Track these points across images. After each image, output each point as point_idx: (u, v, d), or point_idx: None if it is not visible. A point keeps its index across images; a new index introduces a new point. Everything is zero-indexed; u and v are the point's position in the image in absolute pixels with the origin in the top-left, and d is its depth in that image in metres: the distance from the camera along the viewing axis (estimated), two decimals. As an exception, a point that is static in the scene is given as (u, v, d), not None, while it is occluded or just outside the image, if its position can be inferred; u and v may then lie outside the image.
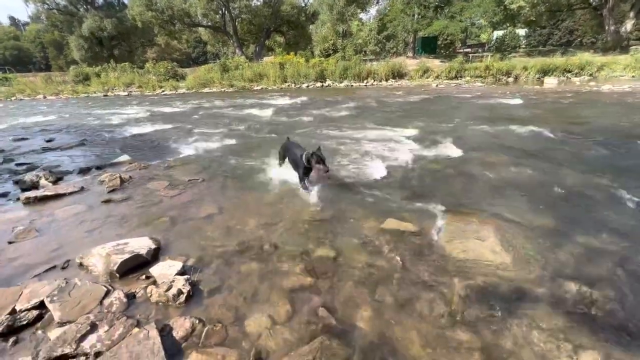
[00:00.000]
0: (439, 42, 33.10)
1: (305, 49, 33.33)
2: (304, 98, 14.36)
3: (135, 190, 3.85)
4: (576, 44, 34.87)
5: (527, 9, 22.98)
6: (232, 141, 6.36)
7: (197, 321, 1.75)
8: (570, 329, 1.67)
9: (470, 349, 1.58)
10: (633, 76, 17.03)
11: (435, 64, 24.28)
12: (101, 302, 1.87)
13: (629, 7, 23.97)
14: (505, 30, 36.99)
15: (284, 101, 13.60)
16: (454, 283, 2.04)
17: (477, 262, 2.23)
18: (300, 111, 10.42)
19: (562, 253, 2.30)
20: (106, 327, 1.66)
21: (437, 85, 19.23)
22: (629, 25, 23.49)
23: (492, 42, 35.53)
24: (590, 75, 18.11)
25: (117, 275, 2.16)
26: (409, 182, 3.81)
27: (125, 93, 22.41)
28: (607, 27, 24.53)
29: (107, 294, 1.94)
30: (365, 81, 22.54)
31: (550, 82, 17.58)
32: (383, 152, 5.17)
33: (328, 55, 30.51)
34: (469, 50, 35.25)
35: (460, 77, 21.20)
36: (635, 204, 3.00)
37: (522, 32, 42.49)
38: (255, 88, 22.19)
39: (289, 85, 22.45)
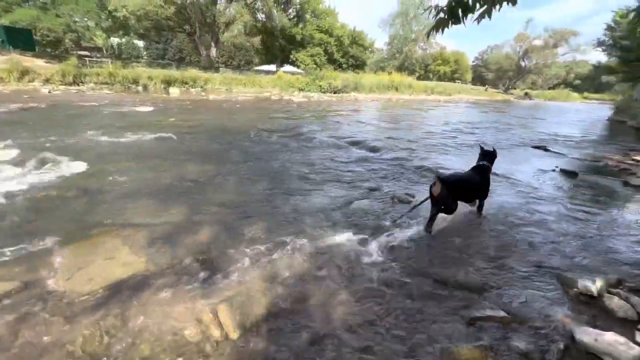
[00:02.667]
0: (39, 38, 26.21)
1: None
2: None
3: None
4: (187, 61, 42.20)
5: (134, 20, 24.01)
6: None
7: None
8: (189, 297, 1.99)
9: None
10: (226, 89, 23.77)
11: (38, 64, 19.11)
12: None
13: (211, 38, 32.52)
14: (123, 39, 36.56)
15: None
16: (81, 330, 1.72)
17: (107, 286, 2.03)
18: None
19: (185, 236, 2.69)
20: None
21: (50, 92, 15.43)
22: (213, 51, 32.02)
23: (112, 49, 34.03)
24: (201, 87, 22.90)
25: None
26: (8, 223, 2.72)
27: None
28: (201, 51, 31.84)
29: None
30: None
31: (175, 91, 20.17)
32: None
33: None
34: (87, 53, 31.31)
35: (82, 82, 18.44)
36: (229, 180, 4.17)
37: (140, 43, 44.34)
38: None
39: None
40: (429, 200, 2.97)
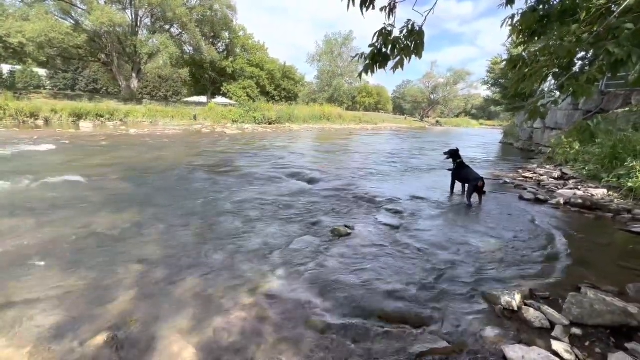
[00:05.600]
0: None
1: None
2: None
3: None
4: (103, 92, 38.36)
5: (32, 48, 21.09)
6: None
7: None
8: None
9: None
10: (151, 122, 22.05)
11: None
12: None
13: (132, 68, 30.32)
14: (17, 66, 31.74)
15: None
16: None
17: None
18: None
19: (93, 308, 2.21)
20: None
21: None
22: (135, 82, 29.81)
23: (2, 77, 29.08)
24: (121, 120, 20.84)
25: None
26: None
27: None
28: (120, 82, 29.35)
29: None
30: None
31: (87, 125, 17.90)
32: None
33: None
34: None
35: (-45, 117, 15.15)
36: (151, 229, 3.69)
37: (42, 71, 38.91)
38: None
39: None
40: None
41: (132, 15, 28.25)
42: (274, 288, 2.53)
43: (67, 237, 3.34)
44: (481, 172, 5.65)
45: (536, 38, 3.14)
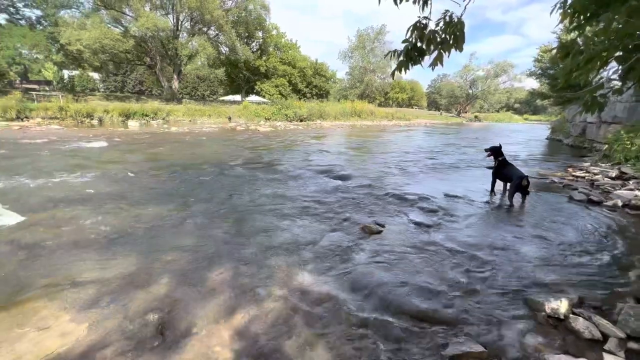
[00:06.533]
0: (-25, 71, 24.33)
1: None
2: None
3: None
4: (147, 93, 41.13)
5: (88, 54, 23.18)
6: None
7: None
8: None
9: None
10: (190, 120, 23.30)
11: (-25, 99, 17.54)
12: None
13: (173, 70, 32.20)
14: (76, 71, 35.01)
15: None
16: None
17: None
18: None
19: (139, 290, 2.41)
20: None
21: (-13, 129, 14.06)
22: (176, 83, 31.63)
23: (64, 82, 32.33)
24: (163, 119, 22.26)
25: None
26: None
27: None
28: (162, 83, 31.31)
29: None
30: None
31: (134, 124, 19.35)
32: None
33: None
34: (35, 87, 29.50)
35: (27, 118, 17.12)
36: (190, 221, 3.91)
37: (96, 75, 42.68)
38: None
39: None
40: None
41: (173, 20, 29.95)
42: (304, 282, 2.58)
43: (118, 226, 3.65)
44: (525, 170, 5.26)
45: (594, 23, 2.83)
